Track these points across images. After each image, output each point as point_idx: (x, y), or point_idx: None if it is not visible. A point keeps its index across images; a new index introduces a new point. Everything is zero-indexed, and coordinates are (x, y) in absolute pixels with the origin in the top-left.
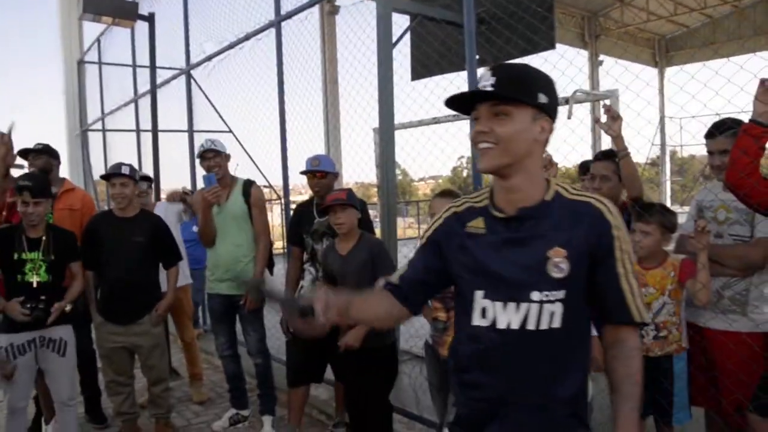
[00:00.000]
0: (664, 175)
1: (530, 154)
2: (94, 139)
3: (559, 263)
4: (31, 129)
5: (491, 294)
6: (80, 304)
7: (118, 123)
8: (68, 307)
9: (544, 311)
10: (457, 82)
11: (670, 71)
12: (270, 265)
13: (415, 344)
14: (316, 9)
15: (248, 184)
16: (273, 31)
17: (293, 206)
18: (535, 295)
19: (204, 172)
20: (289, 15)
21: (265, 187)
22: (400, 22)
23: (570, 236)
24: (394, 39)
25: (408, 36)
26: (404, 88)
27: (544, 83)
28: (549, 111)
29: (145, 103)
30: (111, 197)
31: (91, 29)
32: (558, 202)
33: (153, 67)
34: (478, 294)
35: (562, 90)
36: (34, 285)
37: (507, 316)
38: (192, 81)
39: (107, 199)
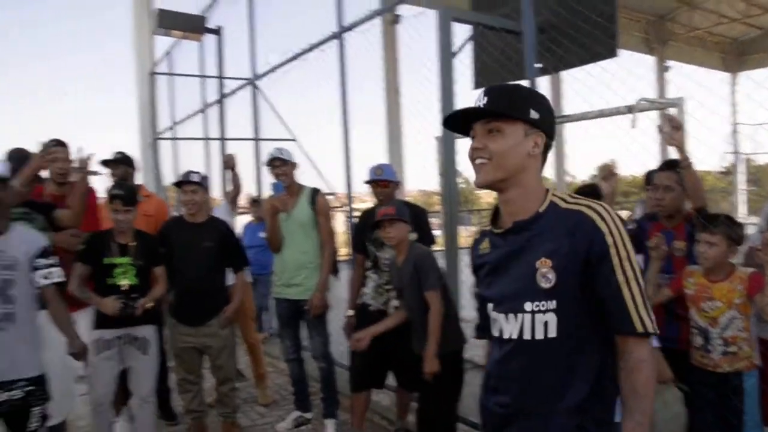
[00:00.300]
0: (738, 184)
1: (525, 168)
2: (165, 147)
3: (546, 273)
4: (107, 136)
5: (497, 306)
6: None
7: (188, 131)
8: (150, 304)
9: (537, 321)
10: None
11: (742, 76)
12: (335, 271)
13: (476, 354)
14: (377, 20)
15: (315, 193)
16: (336, 42)
17: (356, 214)
18: (528, 306)
19: (272, 180)
20: (351, 26)
21: (328, 194)
22: (463, 31)
23: (557, 246)
24: (456, 48)
25: (470, 45)
26: (466, 96)
27: (536, 100)
28: (542, 126)
29: (212, 112)
30: (181, 203)
31: (162, 42)
32: (551, 213)
33: (221, 78)
34: (490, 307)
35: (624, 99)
36: (123, 288)
37: (509, 327)
38: (257, 91)
39: (176, 205)
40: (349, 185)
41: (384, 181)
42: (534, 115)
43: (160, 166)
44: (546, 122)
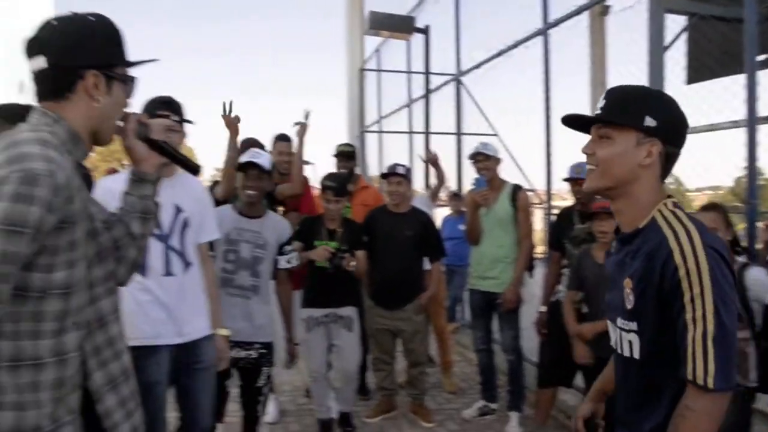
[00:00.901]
0: None
1: (635, 179)
2: (371, 140)
3: (628, 294)
4: (318, 128)
5: (607, 312)
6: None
7: (393, 125)
8: (353, 263)
9: (623, 338)
10: (734, 88)
11: None
12: (530, 267)
13: None
14: (584, 15)
15: (516, 189)
16: (541, 38)
17: (555, 211)
18: (619, 321)
19: (474, 174)
20: (557, 22)
21: (528, 191)
22: (675, 24)
23: (637, 268)
24: (668, 41)
25: (684, 37)
26: (677, 91)
27: (656, 106)
28: (660, 135)
29: (417, 107)
30: (387, 194)
31: (372, 40)
32: (649, 230)
33: (427, 74)
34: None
35: None
36: (328, 270)
37: (613, 336)
38: (461, 87)
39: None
40: (549, 182)
41: (583, 180)
42: (650, 122)
43: (367, 157)
44: (666, 130)
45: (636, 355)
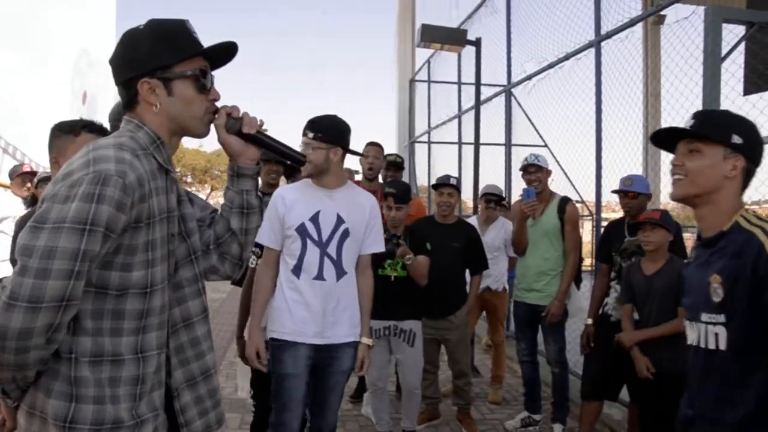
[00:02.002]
0: None
1: (719, 188)
2: (420, 151)
3: (716, 288)
4: (365, 138)
5: (687, 313)
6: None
7: (442, 136)
8: (409, 259)
9: (709, 332)
10: None
11: None
12: (577, 280)
13: None
14: (637, 26)
15: (564, 201)
16: (593, 50)
17: (604, 223)
18: (703, 316)
19: (523, 185)
20: (610, 34)
21: (577, 202)
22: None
23: (728, 264)
24: (725, 51)
25: (741, 47)
26: (734, 103)
27: (741, 127)
28: (744, 152)
29: (467, 118)
30: (437, 204)
31: (422, 52)
32: (733, 233)
33: (478, 86)
34: (683, 312)
35: None
36: (392, 279)
37: (692, 334)
38: (512, 98)
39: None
40: (598, 194)
41: (633, 192)
42: (737, 140)
43: (415, 168)
44: (749, 148)
45: (722, 346)
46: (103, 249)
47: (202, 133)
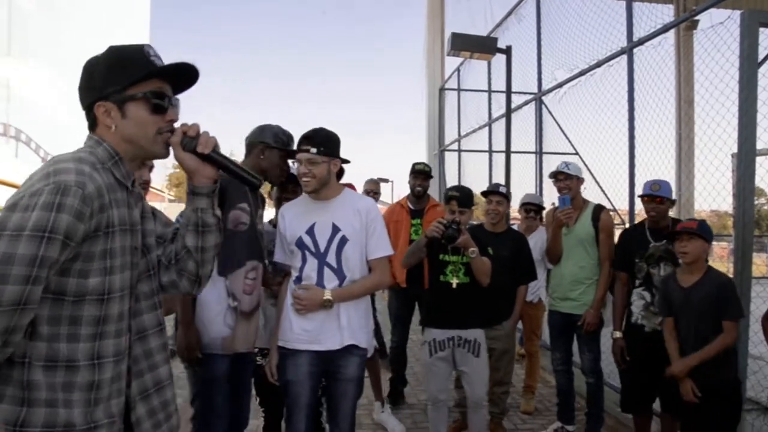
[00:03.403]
0: None
1: None
2: (450, 159)
3: None
4: (395, 148)
5: None
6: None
7: (472, 144)
8: (473, 252)
9: None
10: None
11: None
12: (612, 289)
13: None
14: (670, 33)
15: (599, 209)
16: (625, 57)
17: None
18: None
19: (556, 193)
20: (642, 41)
21: (610, 210)
22: None
23: None
24: (762, 56)
25: None
26: None
27: None
28: None
29: (497, 126)
30: (485, 212)
31: (452, 60)
32: None
33: (509, 94)
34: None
35: None
36: (454, 286)
37: None
38: (543, 106)
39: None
40: (632, 202)
41: (660, 197)
42: None
43: (445, 176)
44: None
45: None
46: (61, 256)
47: (159, 154)
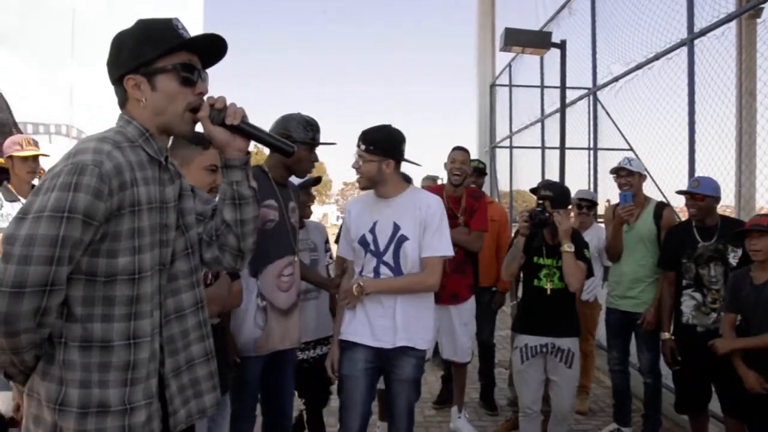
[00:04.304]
0: None
1: None
2: (502, 155)
3: None
4: (448, 143)
5: None
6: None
7: (524, 140)
8: (570, 246)
9: None
10: None
11: None
12: None
13: None
14: (732, 22)
15: (661, 206)
16: (685, 49)
17: None
18: None
19: (610, 189)
20: (703, 32)
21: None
22: None
23: None
24: None
25: None
26: None
27: None
28: None
29: (550, 121)
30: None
31: (503, 55)
32: None
33: (563, 89)
34: None
35: None
36: (548, 291)
37: None
38: (597, 101)
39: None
40: None
41: (700, 194)
42: None
43: (496, 173)
44: None
45: None
46: (85, 236)
47: (184, 131)
